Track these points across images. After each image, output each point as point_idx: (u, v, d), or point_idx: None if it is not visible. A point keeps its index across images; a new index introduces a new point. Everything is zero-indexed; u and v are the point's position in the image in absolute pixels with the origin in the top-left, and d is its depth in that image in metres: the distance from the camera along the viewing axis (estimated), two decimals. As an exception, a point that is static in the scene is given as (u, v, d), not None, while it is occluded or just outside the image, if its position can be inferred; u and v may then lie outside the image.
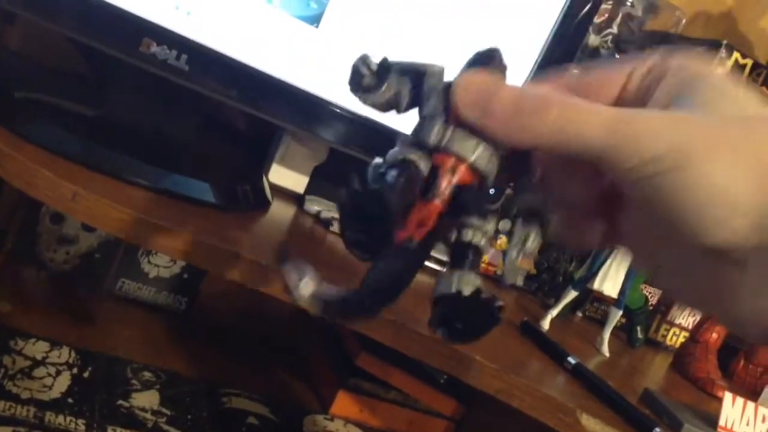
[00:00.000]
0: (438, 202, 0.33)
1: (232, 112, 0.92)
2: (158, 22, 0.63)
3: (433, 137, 0.33)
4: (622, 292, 0.90)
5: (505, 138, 0.31)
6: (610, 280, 0.89)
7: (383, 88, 0.34)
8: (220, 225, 0.64)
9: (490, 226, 0.33)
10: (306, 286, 0.34)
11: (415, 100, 0.34)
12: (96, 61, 0.76)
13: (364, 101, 0.35)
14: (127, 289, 0.99)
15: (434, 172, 0.33)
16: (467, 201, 0.33)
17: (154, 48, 0.63)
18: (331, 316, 0.35)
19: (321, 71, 0.71)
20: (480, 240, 0.33)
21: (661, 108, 0.31)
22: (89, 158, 0.61)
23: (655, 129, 0.28)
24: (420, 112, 0.34)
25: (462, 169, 0.33)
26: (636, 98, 0.33)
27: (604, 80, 0.34)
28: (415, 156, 0.33)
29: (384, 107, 0.35)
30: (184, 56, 0.64)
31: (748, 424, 0.72)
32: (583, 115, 0.29)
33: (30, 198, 0.55)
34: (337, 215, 0.86)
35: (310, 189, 0.88)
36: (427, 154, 0.33)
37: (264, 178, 0.82)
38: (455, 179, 0.33)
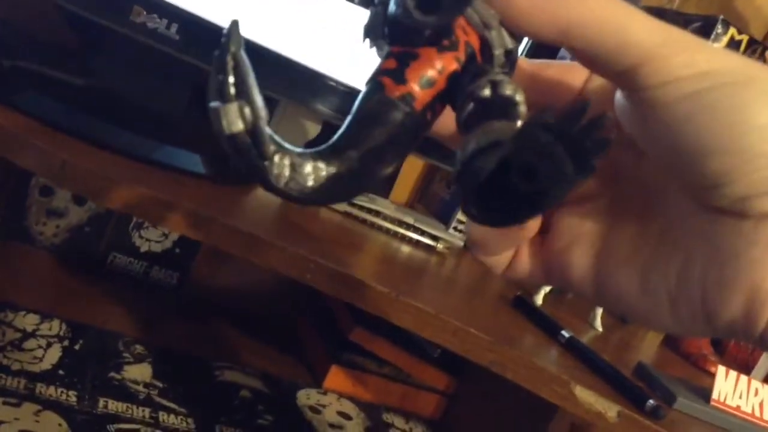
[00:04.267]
0: (452, 57, 0.25)
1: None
2: (148, -11, 0.62)
3: None
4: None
5: (528, 21, 0.25)
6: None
7: None
8: (211, 197, 0.64)
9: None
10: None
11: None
12: (85, 30, 0.74)
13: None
14: (118, 263, 0.99)
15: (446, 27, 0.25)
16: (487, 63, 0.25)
17: (145, 17, 0.62)
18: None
19: (316, 43, 0.69)
20: (513, 93, 0.24)
21: None
22: (79, 128, 0.60)
23: (712, 46, 0.25)
24: None
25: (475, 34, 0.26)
26: (605, 93, 0.29)
27: (566, 71, 0.30)
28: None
29: None
30: (174, 25, 0.63)
31: (740, 398, 0.72)
32: (631, 14, 0.25)
33: (19, 171, 0.54)
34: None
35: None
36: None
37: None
38: (470, 39, 0.25)
